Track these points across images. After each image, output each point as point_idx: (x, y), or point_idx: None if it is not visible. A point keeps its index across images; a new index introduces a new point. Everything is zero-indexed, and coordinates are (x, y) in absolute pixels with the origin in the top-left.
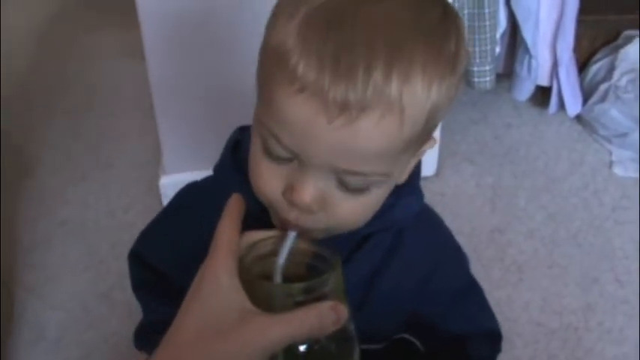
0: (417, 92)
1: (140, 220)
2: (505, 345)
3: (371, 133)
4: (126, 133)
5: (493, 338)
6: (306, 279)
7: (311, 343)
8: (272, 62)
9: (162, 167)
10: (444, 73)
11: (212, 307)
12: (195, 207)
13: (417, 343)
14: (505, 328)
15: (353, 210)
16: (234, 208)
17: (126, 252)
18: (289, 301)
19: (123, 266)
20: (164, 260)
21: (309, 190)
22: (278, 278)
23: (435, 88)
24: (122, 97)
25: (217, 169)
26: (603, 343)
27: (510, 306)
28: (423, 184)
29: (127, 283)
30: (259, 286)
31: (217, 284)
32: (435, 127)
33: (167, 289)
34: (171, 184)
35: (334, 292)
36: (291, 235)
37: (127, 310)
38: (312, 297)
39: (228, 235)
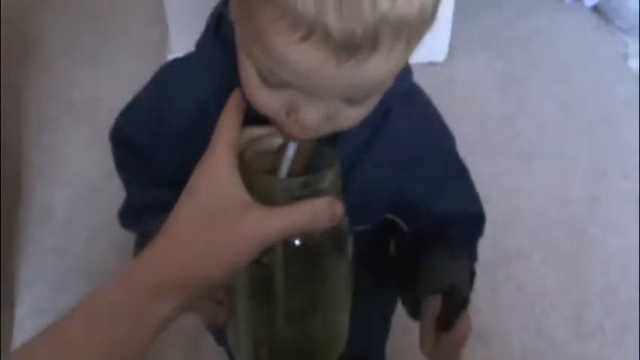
0: (423, 3)
1: None
2: (508, 233)
3: (379, 67)
4: (133, 13)
5: (476, 221)
6: (303, 174)
7: (306, 238)
8: (262, 2)
9: (169, 46)
10: None
11: (211, 199)
12: (176, 85)
13: (401, 223)
14: (509, 216)
15: (355, 116)
16: (235, 102)
17: None
18: (287, 196)
19: None
20: (145, 140)
21: (314, 115)
22: (284, 174)
23: None
24: None
25: (199, 45)
26: (607, 234)
27: (515, 195)
28: (433, 69)
29: None
30: (258, 180)
31: (217, 177)
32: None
33: (148, 171)
34: None
35: (331, 189)
36: (293, 145)
37: None
38: (310, 192)
39: (228, 129)
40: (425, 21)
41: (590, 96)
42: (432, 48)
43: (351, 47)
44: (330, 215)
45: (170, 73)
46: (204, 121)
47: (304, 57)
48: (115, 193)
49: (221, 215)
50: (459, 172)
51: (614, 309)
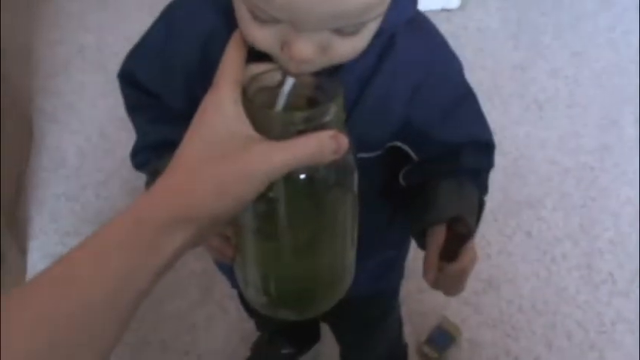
0: None
1: None
2: (519, 181)
3: None
4: None
5: (485, 148)
6: (307, 109)
7: (311, 171)
8: None
9: None
10: None
11: (217, 133)
12: (181, 22)
13: (410, 151)
14: (520, 164)
15: (352, 48)
16: (237, 39)
17: None
18: (291, 130)
19: None
20: (152, 80)
21: (306, 47)
22: (280, 108)
23: None
24: None
25: None
26: (618, 183)
27: (527, 143)
28: (445, 16)
29: None
30: (262, 115)
31: (221, 112)
32: None
33: (158, 109)
34: None
35: (335, 123)
36: (290, 80)
37: None
38: (313, 126)
39: (232, 65)
40: None
41: (604, 44)
42: None
43: None
44: (335, 148)
45: (175, 10)
46: (210, 56)
47: None
48: (125, 139)
49: (227, 150)
50: (466, 99)
51: (624, 258)
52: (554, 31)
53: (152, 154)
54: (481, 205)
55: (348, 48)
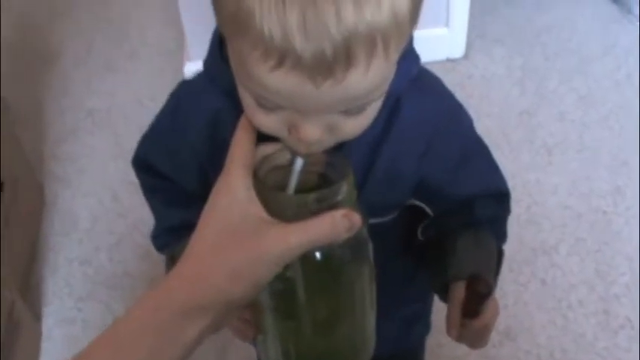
0: (394, 7)
1: None
2: (532, 228)
3: (361, 81)
4: (149, 22)
5: (501, 197)
6: (318, 187)
7: (326, 249)
8: (234, 27)
9: (186, 54)
10: None
11: (229, 218)
12: (189, 107)
13: (425, 207)
14: (533, 211)
15: (358, 125)
16: (246, 122)
17: None
18: (304, 211)
19: None
20: (164, 163)
21: (313, 130)
22: (291, 192)
23: None
24: None
25: (206, 63)
26: (631, 226)
27: (539, 189)
28: (451, 66)
29: None
30: (274, 197)
31: (233, 196)
32: (421, 4)
33: (173, 192)
34: (196, 70)
35: (347, 200)
36: (300, 160)
37: None
38: (326, 205)
39: (242, 148)
40: (400, 25)
41: (610, 87)
42: (450, 44)
43: (324, 68)
44: (348, 226)
45: (181, 94)
46: (218, 137)
47: (282, 83)
48: (137, 201)
49: (241, 235)
50: (477, 151)
51: None
52: (560, 76)
53: (170, 236)
54: (500, 255)
55: (355, 126)
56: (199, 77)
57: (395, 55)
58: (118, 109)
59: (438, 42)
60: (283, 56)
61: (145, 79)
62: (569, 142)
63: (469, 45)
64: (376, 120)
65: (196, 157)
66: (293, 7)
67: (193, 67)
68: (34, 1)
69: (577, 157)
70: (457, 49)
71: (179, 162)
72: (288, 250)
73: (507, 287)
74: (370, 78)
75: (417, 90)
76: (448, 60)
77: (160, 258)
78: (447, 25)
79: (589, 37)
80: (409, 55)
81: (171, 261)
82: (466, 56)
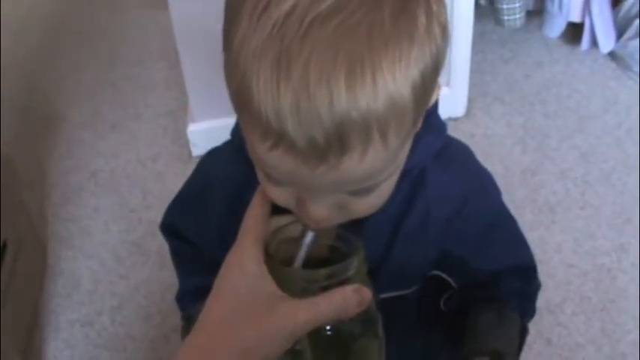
0: (392, 93)
1: (170, 169)
2: None
3: (358, 168)
4: (152, 83)
5: (527, 272)
6: (328, 260)
7: (337, 324)
8: (238, 103)
9: (189, 115)
10: (418, 52)
11: (240, 293)
12: (216, 173)
13: (449, 279)
14: (537, 270)
15: (370, 205)
16: (261, 194)
17: (156, 201)
18: (314, 286)
19: (153, 215)
20: (189, 229)
21: (320, 209)
22: (299, 267)
23: (410, 71)
24: (148, 47)
25: (233, 132)
26: (637, 284)
27: (543, 248)
28: (452, 124)
29: (158, 231)
30: (285, 272)
31: (244, 271)
32: (432, 84)
33: (200, 257)
34: (199, 131)
35: (357, 275)
36: (310, 233)
37: (158, 258)
38: (336, 281)
39: (255, 222)
40: (400, 111)
41: (610, 143)
42: (452, 103)
43: (317, 154)
44: (359, 302)
45: (209, 162)
46: (242, 205)
47: (280, 163)
48: (139, 263)
49: (251, 310)
50: (503, 225)
51: None
52: (561, 134)
53: (191, 300)
54: (524, 332)
55: (367, 206)
56: (226, 146)
57: (397, 141)
58: (121, 170)
59: (440, 101)
60: (279, 138)
61: (149, 141)
62: (571, 200)
63: (470, 104)
64: (397, 194)
65: (220, 228)
66: (287, 90)
67: (196, 128)
68: (40, 63)
69: (580, 214)
70: (459, 108)
71: (204, 229)
72: (300, 327)
73: None
74: (367, 164)
75: (442, 163)
76: (450, 119)
77: (162, 320)
78: (448, 84)
79: (588, 94)
80: (433, 127)
81: (187, 323)
82: (467, 115)
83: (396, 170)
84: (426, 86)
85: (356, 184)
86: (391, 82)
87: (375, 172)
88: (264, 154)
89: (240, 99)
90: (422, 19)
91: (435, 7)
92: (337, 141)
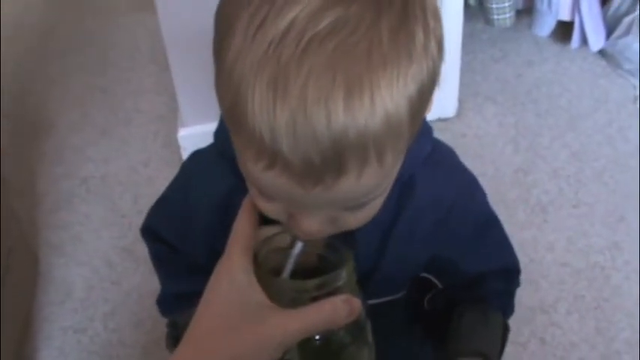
0: (389, 112)
1: (161, 173)
2: (530, 286)
3: (354, 187)
4: (142, 88)
5: (510, 273)
6: (317, 268)
7: (326, 333)
8: (231, 121)
9: (180, 120)
10: (415, 69)
11: (230, 303)
12: (200, 178)
13: (435, 279)
14: (530, 269)
15: (362, 218)
16: (249, 204)
17: (147, 206)
18: (304, 296)
19: None
20: (171, 234)
21: (312, 223)
22: (288, 277)
23: (407, 89)
24: (138, 52)
25: (217, 135)
26: (630, 282)
27: (535, 247)
28: (443, 125)
29: None
30: (274, 282)
31: (233, 281)
32: (428, 99)
33: (180, 261)
34: (189, 136)
35: (347, 285)
36: (299, 244)
37: (149, 264)
38: (326, 291)
39: (243, 233)
40: (395, 129)
41: (602, 142)
42: (442, 104)
43: (313, 175)
44: (349, 312)
45: (193, 166)
46: (230, 215)
47: (274, 183)
48: (131, 269)
49: (240, 320)
50: (490, 227)
51: None
52: (553, 133)
53: (174, 303)
54: (506, 331)
55: (358, 219)
56: (210, 148)
57: (392, 161)
58: (112, 176)
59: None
60: (274, 159)
61: (139, 146)
62: (564, 199)
63: (461, 104)
64: (387, 202)
65: (206, 235)
66: (284, 110)
67: (187, 132)
68: (28, 70)
69: (573, 213)
70: (449, 109)
71: (187, 235)
72: (289, 338)
73: (506, 348)
74: (363, 184)
75: (431, 167)
76: (440, 120)
77: (153, 326)
78: (438, 85)
79: (579, 92)
80: (422, 132)
81: (171, 329)
82: (458, 115)
83: (390, 184)
84: (422, 102)
85: (351, 202)
86: (389, 101)
87: (370, 189)
88: (258, 173)
89: (234, 117)
90: (419, 36)
91: (432, 23)
92: (334, 161)
